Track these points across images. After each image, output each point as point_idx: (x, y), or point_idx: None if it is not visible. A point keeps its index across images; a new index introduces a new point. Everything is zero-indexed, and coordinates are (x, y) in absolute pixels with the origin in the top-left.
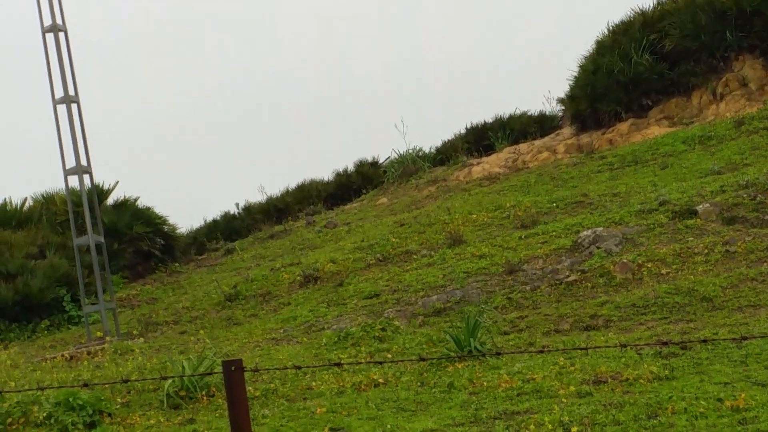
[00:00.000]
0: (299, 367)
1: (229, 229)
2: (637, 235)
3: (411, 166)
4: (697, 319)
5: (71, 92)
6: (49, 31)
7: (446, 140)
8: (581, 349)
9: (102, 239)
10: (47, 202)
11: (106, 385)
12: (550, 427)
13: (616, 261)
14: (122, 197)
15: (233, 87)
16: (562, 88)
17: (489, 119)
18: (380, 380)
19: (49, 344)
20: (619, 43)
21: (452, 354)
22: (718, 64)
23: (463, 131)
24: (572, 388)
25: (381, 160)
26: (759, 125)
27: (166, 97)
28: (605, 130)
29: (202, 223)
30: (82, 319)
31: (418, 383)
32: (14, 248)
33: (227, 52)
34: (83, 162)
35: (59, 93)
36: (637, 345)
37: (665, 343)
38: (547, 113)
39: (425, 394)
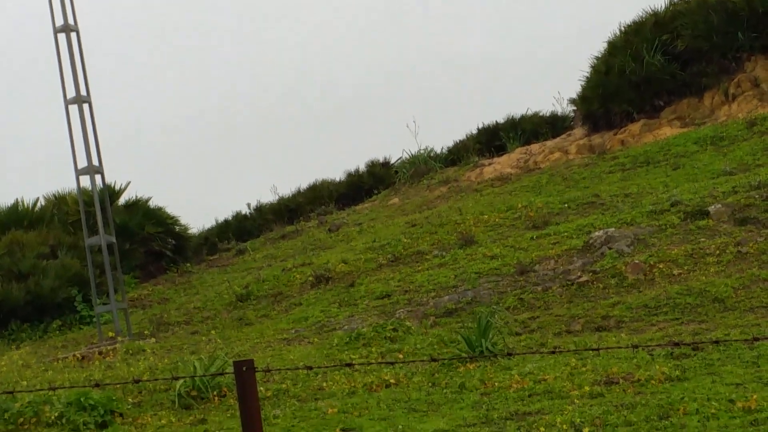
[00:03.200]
0: (310, 368)
1: (240, 230)
2: (649, 235)
3: (422, 167)
4: (709, 320)
5: (83, 92)
6: (61, 31)
7: (458, 141)
8: (593, 349)
9: (113, 239)
10: (59, 202)
11: (118, 385)
12: (561, 427)
13: (627, 262)
14: (134, 197)
15: (245, 87)
16: (574, 89)
17: (500, 120)
18: (392, 381)
19: (61, 344)
20: (631, 44)
21: (464, 354)
22: (730, 65)
23: (474, 132)
24: (584, 388)
25: (392, 161)
26: None
27: (178, 97)
28: (617, 131)
29: (214, 223)
30: (94, 319)
31: (430, 384)
32: (26, 248)
33: (239, 51)
34: (95, 162)
35: (71, 93)
36: (649, 346)
37: (677, 344)
38: (559, 114)
39: (437, 395)
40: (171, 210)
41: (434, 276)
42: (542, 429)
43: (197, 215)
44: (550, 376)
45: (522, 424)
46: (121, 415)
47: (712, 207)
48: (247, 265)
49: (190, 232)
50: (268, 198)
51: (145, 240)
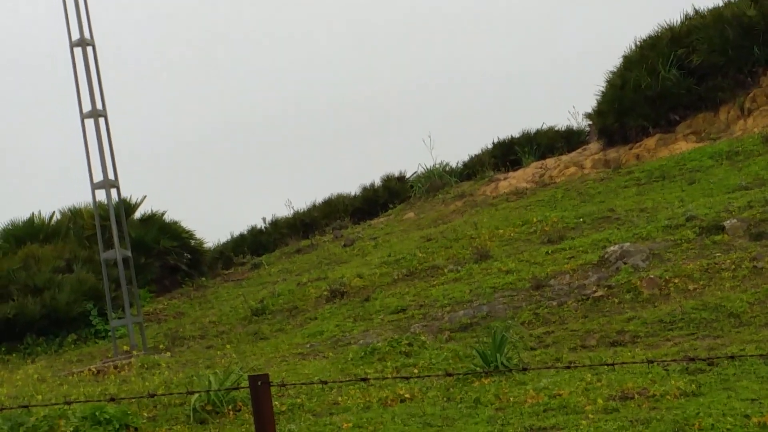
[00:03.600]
0: (325, 382)
1: (255, 244)
2: (664, 250)
3: (438, 181)
4: (725, 335)
5: (99, 106)
6: (77, 45)
7: (473, 155)
8: (608, 364)
9: (129, 253)
10: (74, 216)
11: (133, 400)
12: None
13: (643, 276)
14: (149, 211)
15: (259, 101)
16: (589, 103)
17: (516, 134)
18: (406, 395)
19: (76, 358)
20: (647, 58)
21: (479, 369)
22: (745, 80)
23: (490, 146)
24: (599, 403)
25: (408, 175)
26: None
27: (193, 111)
28: (632, 145)
29: (229, 237)
30: (109, 334)
31: (445, 398)
32: (42, 262)
33: (252, 65)
34: (111, 176)
35: (87, 107)
36: (664, 361)
37: (692, 359)
38: (574, 128)
39: (452, 410)
40: (186, 224)
41: (449, 290)
42: None
43: (212, 229)
44: (565, 391)
45: None
46: (136, 429)
47: (728, 222)
48: (262, 280)
49: (205, 246)
50: (283, 212)
51: (161, 254)
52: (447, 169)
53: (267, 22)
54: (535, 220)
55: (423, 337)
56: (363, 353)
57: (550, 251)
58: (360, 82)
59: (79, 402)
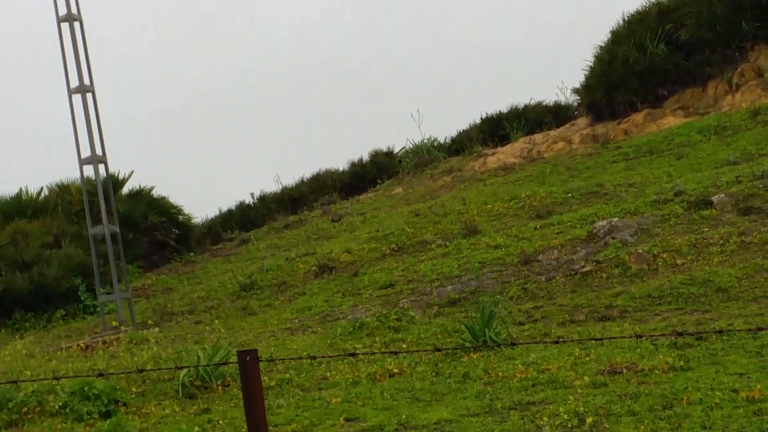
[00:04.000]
0: (314, 357)
1: (244, 219)
2: (653, 225)
3: (426, 156)
4: (713, 310)
5: (86, 82)
6: (65, 20)
7: (461, 130)
8: (596, 339)
9: (117, 229)
10: (62, 191)
11: (122, 375)
12: (565, 417)
13: (631, 251)
14: (137, 187)
15: (248, 76)
16: (578, 78)
17: (504, 109)
18: (395, 370)
19: (65, 334)
20: (635, 33)
21: (467, 344)
22: (733, 55)
23: (478, 121)
24: (587, 378)
25: (396, 150)
26: None
27: (181, 86)
28: (620, 120)
29: (217, 212)
30: (98, 309)
31: (433, 373)
32: (30, 238)
33: (242, 39)
34: (98, 151)
35: (74, 83)
36: (653, 335)
37: (680, 334)
38: (562, 103)
39: (440, 385)
40: (174, 199)
41: (438, 266)
42: (545, 419)
43: (201, 205)
44: (553, 365)
45: (525, 413)
46: (124, 404)
47: (716, 197)
48: (251, 255)
49: (193, 221)
50: (272, 188)
51: (149, 229)
52: (435, 144)
53: None
54: (523, 195)
55: (411, 312)
56: (352, 328)
57: (538, 226)
58: (347, 56)
59: (68, 377)
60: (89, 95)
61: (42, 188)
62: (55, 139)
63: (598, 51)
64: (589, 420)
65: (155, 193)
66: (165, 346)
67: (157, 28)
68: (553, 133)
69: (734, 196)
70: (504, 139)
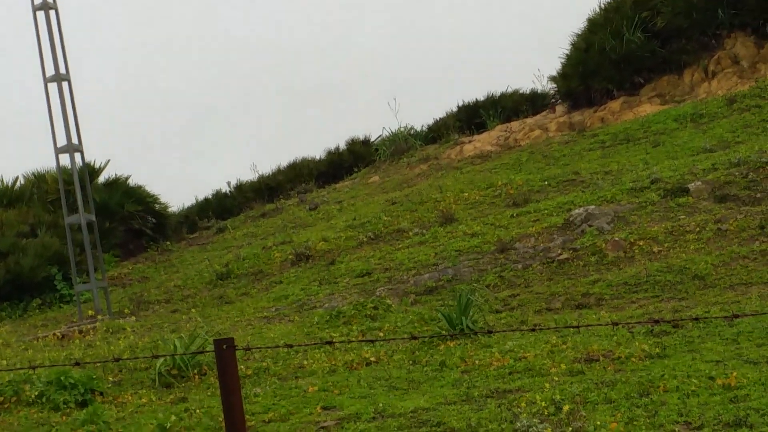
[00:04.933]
0: (291, 346)
1: (220, 208)
2: (629, 213)
3: (402, 145)
4: (689, 297)
5: (62, 70)
6: (40, 9)
7: (438, 118)
8: (573, 327)
9: (93, 218)
10: (38, 180)
11: (98, 364)
12: (542, 405)
13: (607, 239)
14: (113, 176)
15: (225, 64)
16: (554, 66)
17: (481, 97)
18: (372, 359)
19: (41, 323)
20: (611, 21)
21: (444, 332)
22: (710, 42)
23: (454, 109)
24: (564, 366)
25: (372, 139)
26: (750, 103)
27: (157, 75)
28: (597, 108)
29: (194, 201)
30: (74, 298)
31: (410, 362)
32: (5, 227)
33: (219, 28)
34: (74, 140)
35: (50, 71)
36: (629, 323)
37: (657, 322)
38: (539, 91)
39: (417, 373)
40: (151, 188)
41: (414, 254)
42: (522, 406)
43: (177, 193)
44: (530, 353)
45: (502, 401)
46: (101, 393)
47: (692, 184)
48: (227, 244)
49: (170, 210)
50: (248, 176)
51: (125, 218)
52: (412, 132)
53: None
54: (500, 183)
55: (388, 301)
56: (328, 317)
57: (515, 214)
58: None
59: (44, 367)
60: (65, 84)
61: (18, 177)
62: (30, 127)
63: (575, 39)
64: (565, 408)
65: (131, 182)
66: (141, 335)
67: (133, 17)
68: (529, 120)
69: (711, 184)
70: (480, 127)
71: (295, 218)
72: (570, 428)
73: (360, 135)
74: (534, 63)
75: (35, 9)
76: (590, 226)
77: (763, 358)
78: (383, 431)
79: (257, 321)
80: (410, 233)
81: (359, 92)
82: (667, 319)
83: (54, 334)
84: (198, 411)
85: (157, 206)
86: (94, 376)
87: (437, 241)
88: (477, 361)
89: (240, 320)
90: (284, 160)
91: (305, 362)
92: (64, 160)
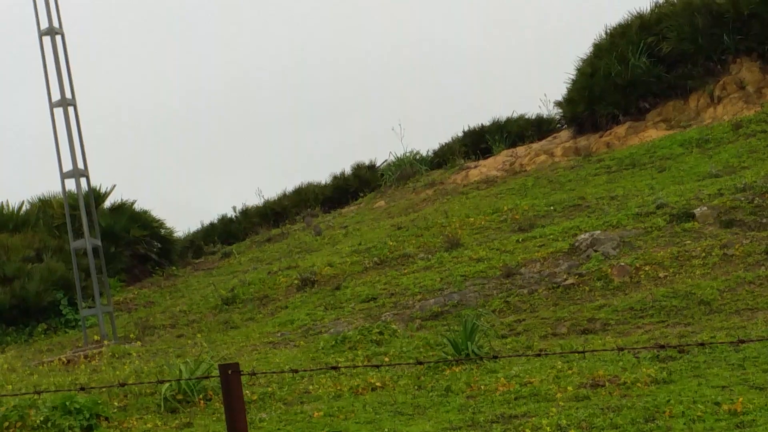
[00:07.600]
0: (296, 371)
1: (226, 233)
2: (635, 238)
3: (408, 170)
4: (695, 323)
5: (68, 95)
6: (46, 34)
7: (443, 143)
8: (579, 352)
9: (99, 242)
10: (44, 205)
11: (103, 389)
12: (547, 430)
13: (613, 264)
14: (119, 200)
15: (230, 90)
16: (560, 91)
17: (486, 122)
18: (378, 384)
19: (46, 348)
20: (617, 46)
21: (450, 357)
22: (715, 67)
23: (460, 134)
24: (570, 391)
25: (378, 164)
26: (756, 128)
27: (163, 101)
28: (603, 133)
29: (200, 226)
30: (79, 323)
31: (416, 387)
32: (11, 251)
33: (223, 53)
34: (80, 165)
35: (56, 96)
36: (635, 348)
37: (663, 347)
38: (545, 116)
39: (423, 398)
40: (156, 213)
41: (420, 279)
42: (528, 431)
43: (183, 218)
44: (536, 378)
45: (508, 427)
46: (106, 418)
47: (698, 209)
48: (233, 269)
49: (175, 235)
50: (254, 201)
51: (131, 243)
52: (417, 157)
53: (235, 7)
54: (505, 208)
55: (394, 326)
56: (334, 342)
57: (520, 239)
58: (330, 70)
59: (50, 392)
60: (71, 108)
61: (23, 202)
62: (36, 152)
63: (580, 64)
64: None
65: (137, 206)
66: (147, 360)
67: (139, 42)
68: (535, 145)
69: (716, 209)
70: (486, 152)
71: (300, 243)
72: None
73: (366, 160)
74: (540, 88)
75: (41, 34)
76: (596, 251)
77: None
78: None
79: (263, 346)
80: (416, 258)
81: (365, 117)
82: (673, 345)
83: (59, 359)
84: None
85: (162, 231)
86: (100, 401)
87: (443, 266)
88: (483, 386)
89: (245, 345)
90: (290, 185)
91: (311, 387)
92: (70, 184)
